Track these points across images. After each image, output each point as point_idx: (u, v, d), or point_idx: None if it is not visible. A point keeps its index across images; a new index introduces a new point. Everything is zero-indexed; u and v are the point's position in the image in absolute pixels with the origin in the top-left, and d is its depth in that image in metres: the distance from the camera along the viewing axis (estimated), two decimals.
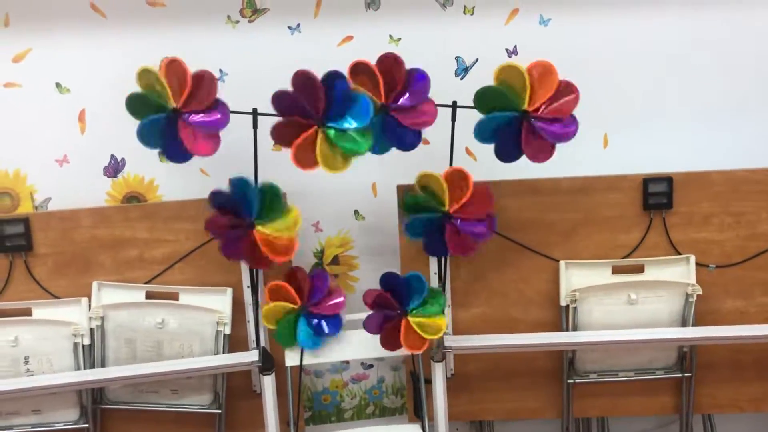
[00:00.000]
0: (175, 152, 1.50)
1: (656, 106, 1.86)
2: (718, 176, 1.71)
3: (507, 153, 1.52)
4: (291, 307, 1.63)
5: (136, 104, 1.47)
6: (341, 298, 1.64)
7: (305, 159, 1.47)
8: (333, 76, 1.45)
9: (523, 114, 1.48)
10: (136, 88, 1.47)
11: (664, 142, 1.88)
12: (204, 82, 1.45)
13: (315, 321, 1.64)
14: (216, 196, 1.53)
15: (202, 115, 1.47)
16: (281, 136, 1.47)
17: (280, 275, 1.64)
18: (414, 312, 1.57)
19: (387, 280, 1.58)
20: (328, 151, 1.47)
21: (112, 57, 1.71)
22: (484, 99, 1.49)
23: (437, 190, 1.54)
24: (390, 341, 1.59)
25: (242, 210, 1.52)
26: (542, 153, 1.51)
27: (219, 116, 1.48)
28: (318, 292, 1.63)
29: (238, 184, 1.52)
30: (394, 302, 1.57)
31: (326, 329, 1.65)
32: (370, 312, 1.59)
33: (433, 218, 1.55)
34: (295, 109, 1.45)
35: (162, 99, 1.46)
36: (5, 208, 1.75)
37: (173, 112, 1.47)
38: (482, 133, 1.50)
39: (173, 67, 1.45)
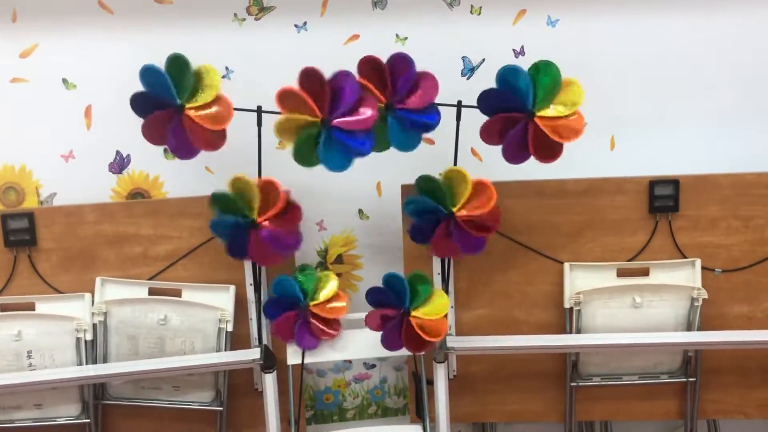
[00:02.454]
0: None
1: (664, 109, 1.85)
2: (726, 179, 1.70)
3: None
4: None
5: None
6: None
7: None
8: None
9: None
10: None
11: (672, 144, 1.87)
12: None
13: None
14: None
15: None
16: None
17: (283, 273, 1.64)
18: (412, 308, 1.56)
19: (374, 295, 1.57)
20: None
21: (118, 53, 1.72)
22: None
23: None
24: (414, 344, 1.58)
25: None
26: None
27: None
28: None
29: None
30: (393, 311, 1.56)
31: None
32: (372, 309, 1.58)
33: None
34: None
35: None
36: (10, 203, 1.76)
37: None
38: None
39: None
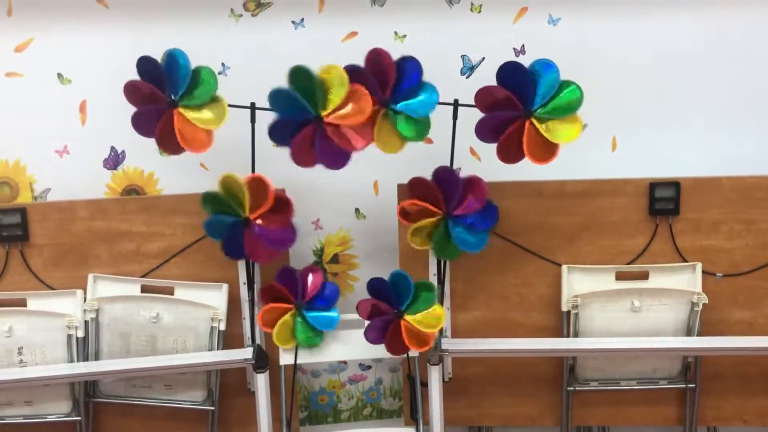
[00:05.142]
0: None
1: (667, 110, 1.82)
2: (728, 182, 1.67)
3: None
4: (287, 308, 1.60)
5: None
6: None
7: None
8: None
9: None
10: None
11: (675, 146, 1.84)
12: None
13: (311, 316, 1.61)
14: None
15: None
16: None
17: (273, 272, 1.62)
18: (408, 311, 1.54)
19: (373, 285, 1.55)
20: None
21: (114, 48, 1.70)
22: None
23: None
24: (395, 346, 1.57)
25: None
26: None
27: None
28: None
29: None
30: (387, 307, 1.54)
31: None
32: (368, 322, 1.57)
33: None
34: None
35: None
36: (4, 198, 1.75)
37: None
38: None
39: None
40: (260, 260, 1.61)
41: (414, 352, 1.62)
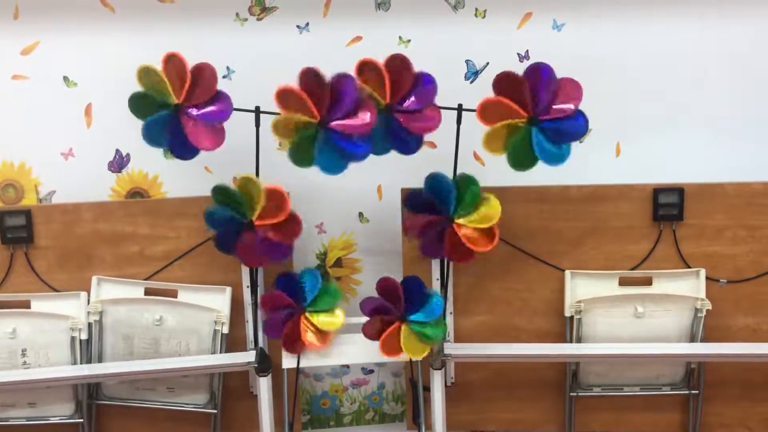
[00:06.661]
0: (182, 148, 1.50)
1: (671, 115, 1.82)
2: (733, 188, 1.67)
3: None
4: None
5: (138, 104, 1.48)
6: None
7: (391, 347, 1.56)
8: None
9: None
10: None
11: (679, 152, 1.84)
12: (204, 74, 1.47)
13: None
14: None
15: (204, 108, 1.48)
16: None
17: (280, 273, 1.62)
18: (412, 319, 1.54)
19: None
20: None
21: (120, 52, 1.71)
22: None
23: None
24: (390, 347, 1.57)
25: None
26: None
27: (220, 108, 1.48)
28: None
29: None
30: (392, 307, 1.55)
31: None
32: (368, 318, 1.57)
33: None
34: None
35: (164, 96, 1.47)
36: (9, 200, 1.76)
37: (175, 108, 1.47)
38: None
39: (173, 62, 1.46)
40: (248, 263, 1.60)
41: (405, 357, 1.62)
